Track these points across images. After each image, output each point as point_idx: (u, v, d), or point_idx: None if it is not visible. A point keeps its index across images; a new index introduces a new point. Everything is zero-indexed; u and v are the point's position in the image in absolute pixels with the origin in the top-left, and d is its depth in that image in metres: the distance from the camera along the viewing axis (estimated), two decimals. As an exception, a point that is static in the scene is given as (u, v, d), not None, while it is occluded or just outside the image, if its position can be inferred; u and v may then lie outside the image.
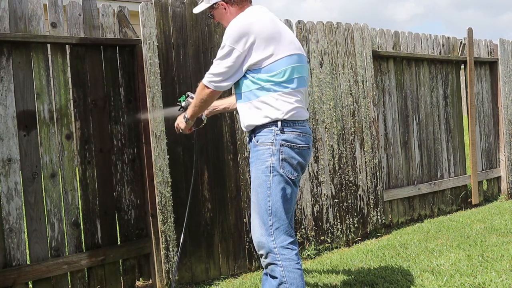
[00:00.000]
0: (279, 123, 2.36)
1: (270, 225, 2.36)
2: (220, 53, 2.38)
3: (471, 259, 3.63)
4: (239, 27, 2.35)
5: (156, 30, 3.33)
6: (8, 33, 2.87)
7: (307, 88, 2.52)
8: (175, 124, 2.80)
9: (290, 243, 2.36)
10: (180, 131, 2.80)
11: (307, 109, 2.56)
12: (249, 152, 3.59)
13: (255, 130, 2.43)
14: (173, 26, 3.41)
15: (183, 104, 2.91)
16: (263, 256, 2.39)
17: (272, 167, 2.37)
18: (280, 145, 2.36)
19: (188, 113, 2.66)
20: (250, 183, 3.68)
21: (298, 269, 2.34)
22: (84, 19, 3.17)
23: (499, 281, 3.16)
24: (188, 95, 2.89)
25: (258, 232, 2.40)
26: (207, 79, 2.42)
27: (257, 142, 2.41)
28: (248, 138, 2.56)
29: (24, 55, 2.96)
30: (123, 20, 3.31)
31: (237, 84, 2.47)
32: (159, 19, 3.35)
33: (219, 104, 2.89)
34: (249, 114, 2.42)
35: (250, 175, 3.72)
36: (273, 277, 2.37)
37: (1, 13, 2.88)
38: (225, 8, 2.56)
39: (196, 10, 2.72)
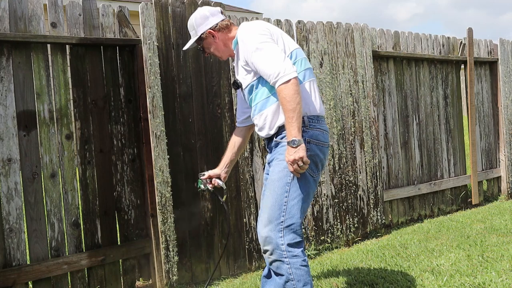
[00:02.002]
0: (305, 118, 2.34)
1: (281, 222, 2.31)
2: (260, 54, 2.31)
3: (471, 259, 3.63)
4: (253, 29, 2.38)
5: (156, 30, 3.33)
6: (8, 33, 2.87)
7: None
8: (292, 164, 2.26)
9: (297, 242, 2.33)
10: (301, 164, 2.25)
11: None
12: (249, 151, 3.58)
13: (278, 131, 2.40)
14: (173, 26, 3.41)
15: (203, 186, 2.72)
16: (268, 252, 2.33)
17: None
18: (307, 142, 2.32)
19: (293, 131, 2.23)
20: (251, 183, 3.70)
21: (305, 266, 2.32)
22: (84, 19, 3.17)
23: (499, 281, 3.16)
24: (204, 174, 2.74)
25: (267, 227, 2.33)
26: (279, 78, 2.25)
27: (282, 139, 2.36)
28: (266, 143, 2.54)
29: (24, 55, 2.96)
30: (123, 20, 3.31)
31: (260, 92, 2.41)
32: (159, 19, 3.35)
33: (231, 153, 2.78)
34: (279, 115, 2.37)
35: (250, 175, 3.74)
36: (279, 275, 2.33)
37: (1, 13, 2.88)
38: (213, 36, 2.53)
39: (186, 47, 2.65)
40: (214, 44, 2.55)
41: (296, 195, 2.31)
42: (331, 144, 4.22)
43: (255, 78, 2.41)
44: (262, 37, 2.33)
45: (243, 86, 2.49)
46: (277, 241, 2.30)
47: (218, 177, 2.75)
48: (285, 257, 2.30)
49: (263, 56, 2.29)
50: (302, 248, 2.33)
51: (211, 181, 2.75)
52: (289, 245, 2.30)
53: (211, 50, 2.59)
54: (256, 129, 2.55)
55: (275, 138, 2.42)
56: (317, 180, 2.41)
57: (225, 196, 2.79)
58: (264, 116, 2.42)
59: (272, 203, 2.34)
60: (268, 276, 2.52)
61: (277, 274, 2.35)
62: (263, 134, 2.47)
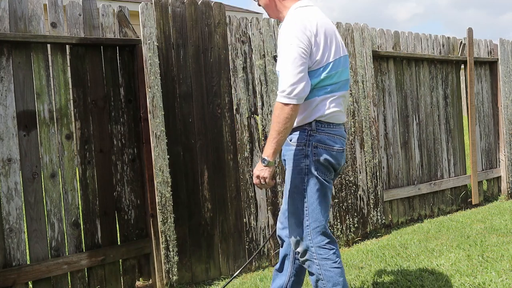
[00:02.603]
0: (313, 123, 2.35)
1: (307, 225, 2.37)
2: (284, 57, 2.29)
3: (471, 259, 3.63)
4: (296, 26, 2.30)
5: (156, 30, 3.33)
6: (8, 33, 2.87)
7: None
8: (256, 178, 2.36)
9: (327, 243, 2.38)
10: (263, 182, 2.34)
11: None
12: (249, 151, 3.60)
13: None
14: (173, 26, 3.41)
15: None
16: (300, 254, 2.42)
17: (307, 168, 2.35)
18: (314, 147, 2.34)
19: (269, 150, 2.28)
20: (251, 183, 3.69)
21: (336, 267, 2.36)
22: (84, 19, 3.17)
23: (499, 281, 3.16)
24: None
25: (295, 232, 2.40)
26: (282, 95, 2.25)
27: (290, 141, 2.38)
28: None
29: (24, 55, 2.96)
30: (123, 20, 3.31)
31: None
32: (159, 19, 3.35)
33: None
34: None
35: (250, 175, 3.73)
36: (311, 273, 2.42)
37: (1, 13, 2.88)
38: None
39: None
40: (265, 1, 2.48)
41: (314, 199, 2.36)
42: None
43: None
44: (295, 43, 2.24)
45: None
46: (307, 244, 2.37)
47: None
48: (315, 259, 2.37)
49: (284, 64, 2.24)
50: (333, 250, 2.38)
51: None
52: (319, 247, 2.36)
53: (261, 3, 2.52)
54: None
55: (292, 136, 2.41)
56: (330, 181, 2.43)
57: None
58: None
59: (294, 209, 2.40)
60: (280, 269, 2.61)
61: (309, 272, 2.43)
62: None
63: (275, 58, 2.42)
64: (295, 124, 2.35)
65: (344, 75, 2.43)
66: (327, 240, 2.38)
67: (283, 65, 2.24)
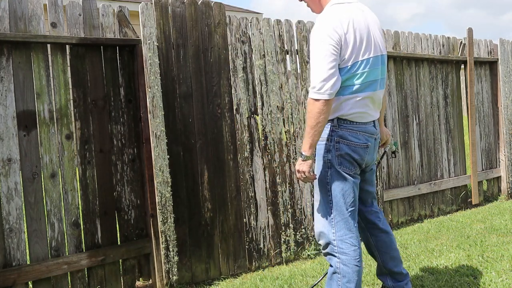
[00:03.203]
0: (335, 120, 2.43)
1: (332, 218, 2.45)
2: (314, 54, 2.37)
3: (471, 259, 3.63)
4: (327, 25, 2.37)
5: (156, 30, 3.33)
6: (8, 33, 2.87)
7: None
8: (296, 173, 2.46)
9: (350, 238, 2.44)
10: (304, 176, 2.43)
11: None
12: (249, 151, 3.63)
13: None
14: (173, 26, 3.41)
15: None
16: (322, 246, 2.51)
17: (329, 162, 2.44)
18: (336, 142, 2.42)
19: (306, 145, 2.38)
20: (251, 183, 3.69)
21: (355, 265, 2.42)
22: (84, 19, 3.17)
23: (499, 281, 3.16)
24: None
25: (320, 223, 2.49)
26: (313, 91, 2.33)
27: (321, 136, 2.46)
28: None
29: (24, 55, 2.96)
30: (123, 20, 3.31)
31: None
32: (159, 19, 3.35)
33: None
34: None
35: (250, 175, 3.74)
36: (330, 265, 2.49)
37: (1, 13, 2.88)
38: None
39: None
40: None
41: (337, 192, 2.44)
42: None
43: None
44: (327, 40, 2.30)
45: None
46: (330, 237, 2.45)
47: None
48: (336, 252, 2.44)
49: (315, 60, 2.31)
50: (355, 247, 2.43)
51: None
52: (341, 241, 2.43)
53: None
54: None
55: None
56: (357, 175, 2.50)
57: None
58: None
59: (320, 202, 2.50)
60: (369, 252, 2.84)
61: (330, 265, 2.49)
62: None
63: None
64: None
65: (373, 75, 2.44)
66: (351, 235, 2.45)
67: (314, 62, 2.31)
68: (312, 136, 2.34)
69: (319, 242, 2.53)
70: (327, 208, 2.46)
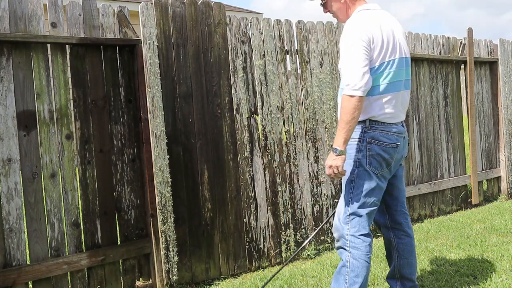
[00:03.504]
0: (367, 121, 2.53)
1: (348, 215, 2.55)
2: (346, 56, 2.49)
3: (471, 259, 3.63)
4: (356, 29, 2.50)
5: (156, 30, 3.33)
6: (8, 33, 2.87)
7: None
8: (328, 168, 2.49)
9: (362, 234, 2.54)
10: (336, 171, 2.46)
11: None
12: (249, 151, 3.63)
13: None
14: (173, 26, 3.41)
15: None
16: (335, 239, 2.62)
17: (358, 161, 2.53)
18: (368, 142, 2.52)
19: (340, 140, 2.43)
20: (251, 183, 3.70)
21: (365, 260, 2.51)
22: (84, 19, 3.17)
23: (499, 281, 3.16)
24: None
25: (337, 217, 2.62)
26: (347, 88, 2.44)
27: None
28: None
29: (24, 55, 2.96)
30: (123, 20, 3.31)
31: (342, 81, 2.57)
32: (159, 19, 3.35)
33: None
34: None
35: (250, 175, 3.74)
36: (340, 259, 2.59)
37: (1, 13, 2.88)
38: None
39: None
40: (339, 5, 2.67)
41: (359, 191, 2.53)
42: (331, 144, 4.22)
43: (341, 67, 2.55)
44: (358, 42, 2.43)
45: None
46: (343, 231, 2.56)
47: None
48: (347, 246, 2.54)
49: (347, 59, 2.44)
50: (366, 244, 2.53)
51: None
52: (353, 236, 2.53)
53: (333, 9, 2.71)
54: None
55: None
56: (386, 176, 2.60)
57: None
58: (339, 103, 2.58)
59: (342, 197, 2.62)
60: (387, 255, 2.90)
61: (341, 258, 2.60)
62: (338, 115, 2.69)
63: None
64: None
65: (398, 75, 2.56)
66: (364, 232, 2.54)
67: (347, 61, 2.44)
68: (346, 131, 2.42)
69: (334, 235, 2.64)
70: (347, 204, 2.56)
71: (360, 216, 2.55)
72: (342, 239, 2.57)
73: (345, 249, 2.55)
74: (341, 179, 2.62)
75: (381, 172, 2.55)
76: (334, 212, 2.78)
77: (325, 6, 2.74)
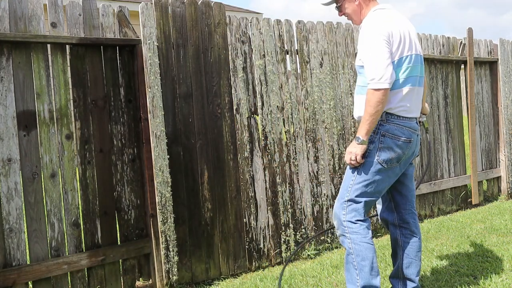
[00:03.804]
0: (384, 114, 2.58)
1: (345, 201, 2.62)
2: (369, 51, 2.57)
3: (471, 259, 3.63)
4: (376, 26, 2.59)
5: (156, 30, 3.33)
6: (8, 33, 2.87)
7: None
8: (348, 155, 2.60)
9: (358, 220, 2.60)
10: (354, 159, 2.57)
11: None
12: (249, 151, 3.62)
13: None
14: (173, 26, 3.41)
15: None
16: (335, 227, 2.69)
17: (368, 151, 2.59)
18: (382, 135, 2.58)
19: (363, 131, 2.53)
20: (251, 183, 3.70)
21: (366, 242, 2.58)
22: (84, 19, 3.17)
23: (499, 281, 3.16)
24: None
25: (336, 204, 2.69)
26: (372, 82, 2.51)
27: None
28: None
29: (24, 55, 2.96)
30: (123, 20, 3.31)
31: (363, 77, 2.65)
32: (159, 19, 3.35)
33: None
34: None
35: (250, 175, 3.74)
36: (345, 248, 2.67)
37: (1, 13, 2.88)
38: None
39: (325, 1, 2.85)
40: (354, 7, 2.74)
41: (360, 180, 2.60)
42: (331, 144, 4.22)
43: (362, 64, 2.63)
44: (379, 37, 2.51)
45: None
46: (340, 217, 2.63)
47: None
48: (347, 233, 2.61)
49: (370, 54, 2.52)
50: (364, 226, 2.60)
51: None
52: (349, 221, 2.60)
53: (348, 11, 2.78)
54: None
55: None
56: (395, 171, 2.65)
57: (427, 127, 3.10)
58: (357, 101, 2.71)
59: (342, 184, 2.69)
60: (392, 254, 2.93)
61: (344, 248, 2.68)
62: (354, 114, 2.80)
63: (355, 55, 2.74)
64: None
65: (414, 71, 2.63)
66: (358, 217, 2.61)
67: (371, 56, 2.51)
68: (369, 123, 2.50)
69: (333, 223, 2.72)
70: (345, 191, 2.64)
71: (357, 203, 2.61)
72: (340, 226, 2.63)
73: (345, 236, 2.62)
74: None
75: (389, 165, 2.60)
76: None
77: (340, 9, 2.81)
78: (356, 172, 2.62)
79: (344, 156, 4.29)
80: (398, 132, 2.59)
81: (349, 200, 2.61)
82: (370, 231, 2.63)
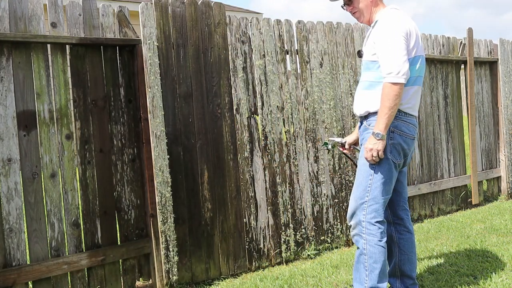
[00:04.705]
0: None
1: (366, 201, 2.64)
2: (388, 46, 2.62)
3: (471, 259, 3.63)
4: (395, 25, 2.65)
5: (156, 30, 3.33)
6: (8, 33, 2.87)
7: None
8: (368, 151, 2.59)
9: (377, 221, 2.63)
10: (375, 155, 2.57)
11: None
12: (249, 151, 3.62)
13: (368, 116, 2.71)
14: (173, 26, 3.41)
15: (331, 146, 3.09)
16: (352, 227, 2.71)
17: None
18: (391, 131, 2.62)
19: (382, 125, 2.54)
20: (251, 183, 3.69)
21: (380, 246, 2.61)
22: (84, 19, 3.17)
23: (499, 281, 3.16)
24: (342, 143, 3.07)
25: (353, 205, 2.70)
26: (390, 76, 2.55)
27: (369, 126, 2.69)
28: (359, 124, 2.86)
29: (24, 55, 2.96)
30: (123, 20, 3.31)
31: (372, 73, 2.69)
32: (159, 19, 3.35)
33: None
34: (375, 102, 2.65)
35: (250, 175, 3.74)
36: (358, 248, 2.69)
37: (1, 13, 2.88)
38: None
39: None
40: (367, 2, 2.75)
41: (379, 178, 2.62)
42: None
43: (375, 59, 2.66)
44: (399, 33, 2.56)
45: (363, 58, 2.81)
46: (360, 218, 2.65)
47: (355, 144, 3.08)
48: (363, 233, 2.64)
49: (389, 48, 2.56)
50: (382, 229, 2.64)
51: (346, 148, 3.10)
52: (369, 223, 2.63)
53: (358, 6, 2.77)
54: (354, 102, 2.85)
55: (365, 122, 2.72)
56: (400, 166, 2.71)
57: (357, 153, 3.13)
58: (364, 96, 2.72)
59: (359, 184, 2.69)
60: (387, 251, 2.86)
61: (357, 247, 2.70)
62: (355, 110, 2.82)
63: (359, 53, 2.74)
64: (374, 110, 2.64)
65: (422, 71, 2.73)
66: (378, 219, 2.64)
67: (389, 51, 2.55)
68: (388, 117, 2.52)
69: (350, 223, 2.73)
70: (364, 191, 2.65)
71: (376, 203, 2.63)
72: (358, 226, 2.66)
73: (361, 236, 2.64)
74: (356, 168, 2.75)
75: (399, 161, 2.67)
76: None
77: (351, 3, 2.80)
78: (373, 171, 2.63)
79: (344, 156, 4.29)
80: (405, 129, 2.65)
81: (370, 200, 2.64)
82: (386, 236, 2.66)
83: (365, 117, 2.75)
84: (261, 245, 3.79)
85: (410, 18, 2.72)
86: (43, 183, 3.02)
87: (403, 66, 2.52)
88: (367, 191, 2.65)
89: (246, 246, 3.71)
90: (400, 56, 2.54)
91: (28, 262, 2.99)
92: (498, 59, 5.86)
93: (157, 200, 3.29)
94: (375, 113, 2.64)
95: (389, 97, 2.52)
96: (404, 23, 2.62)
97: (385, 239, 2.65)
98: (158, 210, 3.30)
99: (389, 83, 2.53)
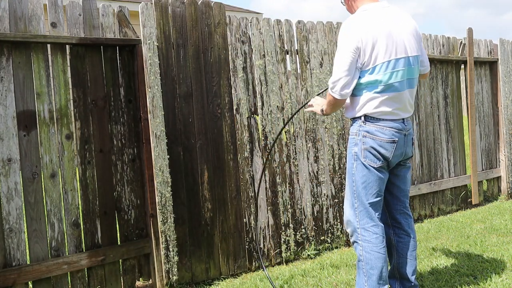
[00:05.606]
0: (362, 117, 2.63)
1: (356, 207, 2.67)
2: (336, 57, 2.66)
3: (471, 259, 3.63)
4: (348, 31, 2.62)
5: (156, 30, 3.33)
6: (8, 33, 2.87)
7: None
8: (312, 105, 2.91)
9: (372, 226, 2.64)
10: (310, 110, 2.93)
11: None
12: (249, 151, 3.64)
13: (352, 121, 2.76)
14: (173, 26, 3.41)
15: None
16: (349, 234, 2.75)
17: (356, 155, 2.66)
18: (363, 136, 2.63)
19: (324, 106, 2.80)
20: (251, 183, 3.70)
21: (376, 252, 2.61)
22: (84, 19, 3.17)
23: (499, 281, 3.16)
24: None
25: (347, 212, 2.73)
26: (329, 89, 2.66)
27: (350, 131, 2.75)
28: None
29: (24, 55, 2.96)
30: (123, 20, 3.31)
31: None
32: (159, 19, 3.35)
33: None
34: (354, 108, 2.70)
35: (250, 175, 3.74)
36: (356, 254, 2.72)
37: (1, 13, 2.88)
38: None
39: None
40: (347, 5, 2.80)
41: (360, 183, 2.65)
42: (331, 144, 4.22)
43: None
44: (345, 47, 2.53)
45: None
46: (354, 225, 2.68)
47: None
48: (359, 240, 2.66)
49: (335, 61, 2.60)
50: (376, 235, 2.63)
51: None
52: (364, 229, 2.64)
53: (346, 8, 2.83)
54: None
55: (350, 127, 2.74)
56: (383, 169, 2.66)
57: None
58: (348, 101, 2.73)
59: (348, 191, 2.74)
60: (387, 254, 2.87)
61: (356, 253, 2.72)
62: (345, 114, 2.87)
63: None
64: (351, 116, 2.70)
65: (400, 75, 2.58)
66: (372, 224, 2.64)
67: (335, 63, 2.59)
68: (327, 110, 2.78)
69: (347, 230, 2.76)
70: (352, 197, 2.69)
71: (365, 207, 2.64)
72: (355, 233, 2.68)
73: (358, 242, 2.66)
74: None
75: (378, 165, 2.63)
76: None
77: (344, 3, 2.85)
78: (354, 177, 2.66)
79: (344, 156, 4.29)
80: (378, 133, 2.60)
81: (359, 206, 2.65)
82: (384, 240, 2.65)
83: (351, 122, 2.78)
84: (261, 245, 3.79)
85: (380, 19, 2.56)
86: (43, 183, 3.02)
87: (338, 82, 2.55)
88: (354, 197, 2.67)
89: (246, 246, 3.71)
90: (338, 72, 2.54)
91: (28, 262, 2.99)
92: (498, 59, 5.86)
93: (157, 200, 3.29)
94: (353, 118, 2.69)
95: (329, 104, 2.71)
96: (358, 33, 2.50)
97: (382, 244, 2.63)
98: (158, 210, 3.30)
99: (329, 94, 2.66)
